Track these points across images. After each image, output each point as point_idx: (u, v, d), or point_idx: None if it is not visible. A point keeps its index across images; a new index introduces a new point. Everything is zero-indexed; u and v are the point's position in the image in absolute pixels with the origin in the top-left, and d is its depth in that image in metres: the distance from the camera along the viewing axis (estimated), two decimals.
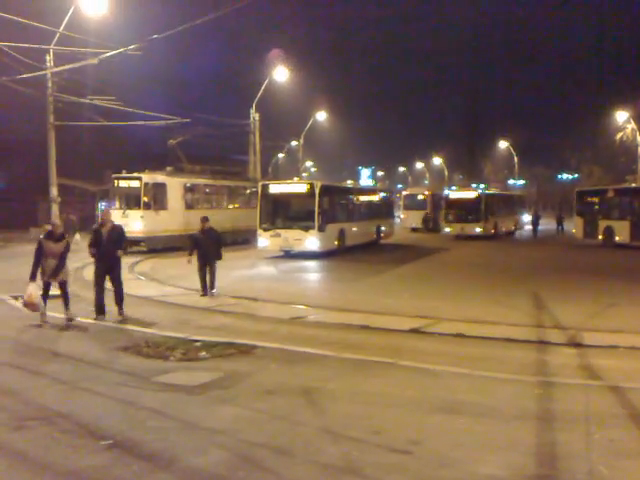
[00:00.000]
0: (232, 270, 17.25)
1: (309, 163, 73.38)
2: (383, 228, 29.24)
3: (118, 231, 10.65)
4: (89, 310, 10.55)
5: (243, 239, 27.03)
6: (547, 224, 41.49)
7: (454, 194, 37.04)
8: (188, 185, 26.04)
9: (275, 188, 23.08)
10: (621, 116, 41.43)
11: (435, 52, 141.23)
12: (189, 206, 25.59)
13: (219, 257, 13.13)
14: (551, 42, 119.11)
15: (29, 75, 23.48)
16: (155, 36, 15.46)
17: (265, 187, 23.06)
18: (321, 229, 21.62)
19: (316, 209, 21.39)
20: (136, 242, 22.80)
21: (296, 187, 23.32)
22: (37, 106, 26.68)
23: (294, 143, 51.82)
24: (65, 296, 10.11)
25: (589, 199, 29.77)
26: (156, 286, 15.27)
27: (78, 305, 10.98)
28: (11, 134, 37.52)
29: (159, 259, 21.91)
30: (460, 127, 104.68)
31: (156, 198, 23.98)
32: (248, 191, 30.24)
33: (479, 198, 33.85)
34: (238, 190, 30.39)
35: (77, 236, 26.56)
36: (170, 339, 8.68)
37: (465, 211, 33.47)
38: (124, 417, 5.62)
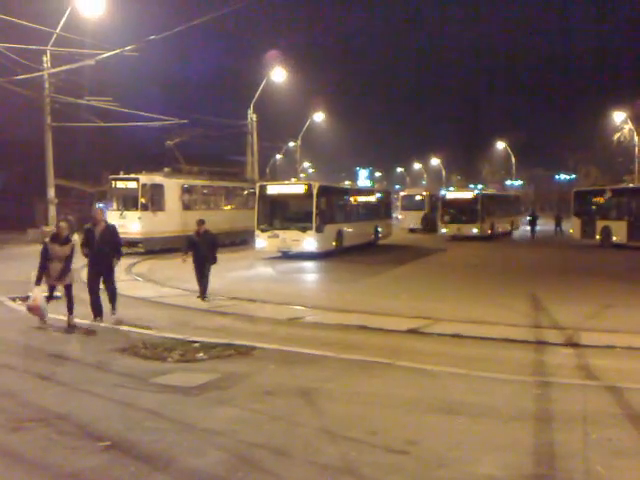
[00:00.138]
0: (230, 271, 17.25)
1: (307, 164, 73.39)
2: (381, 229, 29.26)
3: (111, 231, 10.48)
4: (86, 312, 10.53)
5: (241, 240, 27.02)
6: (545, 224, 41.54)
7: (450, 194, 36.99)
8: (186, 186, 26.01)
9: (273, 189, 23.07)
10: (618, 117, 41.57)
11: (434, 53, 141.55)
12: (187, 207, 25.55)
13: (213, 261, 12.87)
14: (549, 43, 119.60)
15: (26, 76, 23.49)
16: (152, 37, 15.50)
17: (263, 188, 23.04)
18: (319, 230, 21.62)
19: (314, 210, 21.38)
20: (133, 243, 22.77)
21: (294, 188, 23.32)
22: (34, 107, 26.68)
23: (292, 144, 51.84)
24: (69, 300, 9.83)
25: (587, 199, 29.84)
26: (154, 287, 15.24)
27: (75, 306, 10.93)
28: (8, 135, 37.45)
29: (156, 260, 21.88)
30: (458, 128, 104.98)
31: (153, 199, 23.93)
32: (246, 192, 30.22)
33: (476, 199, 33.75)
34: (236, 191, 30.36)
35: (75, 237, 26.50)
36: (168, 340, 8.66)
37: (461, 212, 33.34)
38: (122, 418, 5.61)
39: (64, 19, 22.39)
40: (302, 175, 58.63)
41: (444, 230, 34.01)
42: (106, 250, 10.23)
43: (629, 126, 41.30)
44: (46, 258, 9.65)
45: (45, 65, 25.20)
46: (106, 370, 7.30)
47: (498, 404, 5.96)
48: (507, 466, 4.53)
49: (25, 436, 5.16)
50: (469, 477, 4.41)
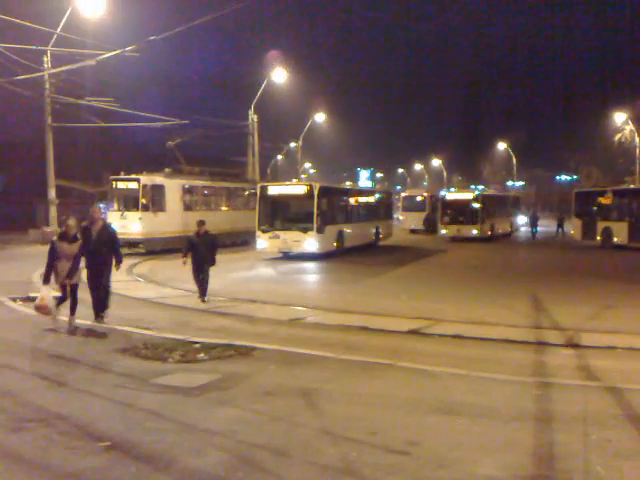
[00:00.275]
0: (231, 272, 17.26)
1: (308, 165, 73.43)
2: (382, 230, 29.25)
3: (109, 231, 10.36)
4: (87, 312, 10.52)
5: (242, 241, 27.02)
6: (546, 225, 41.51)
7: (450, 195, 36.84)
8: (186, 187, 26.02)
9: (274, 190, 23.07)
10: (620, 117, 41.49)
11: (435, 54, 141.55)
12: (187, 208, 25.55)
13: (212, 263, 12.70)
14: (551, 44, 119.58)
15: (26, 76, 23.52)
16: (153, 37, 15.50)
17: (264, 188, 23.03)
18: (320, 231, 21.61)
19: (315, 211, 21.37)
20: (134, 244, 22.80)
21: (295, 189, 23.31)
22: (35, 107, 26.73)
23: (293, 144, 51.84)
24: (74, 300, 9.72)
25: (588, 200, 29.80)
26: (155, 288, 15.24)
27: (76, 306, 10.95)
28: (9, 136, 37.54)
29: (157, 261, 21.88)
30: (459, 129, 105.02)
31: (154, 200, 23.94)
32: (247, 192, 30.22)
33: (475, 199, 33.73)
34: (237, 192, 30.37)
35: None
36: (168, 341, 8.67)
37: (461, 213, 33.22)
38: (122, 419, 5.62)
39: (64, 19, 22.43)
40: (303, 176, 58.67)
41: (444, 231, 33.91)
42: (103, 250, 10.08)
43: (630, 127, 41.23)
44: (54, 257, 9.49)
45: (46, 65, 25.24)
46: (107, 370, 7.30)
47: (498, 405, 5.96)
48: (507, 467, 4.53)
49: (25, 436, 5.16)
50: (469, 477, 4.41)
